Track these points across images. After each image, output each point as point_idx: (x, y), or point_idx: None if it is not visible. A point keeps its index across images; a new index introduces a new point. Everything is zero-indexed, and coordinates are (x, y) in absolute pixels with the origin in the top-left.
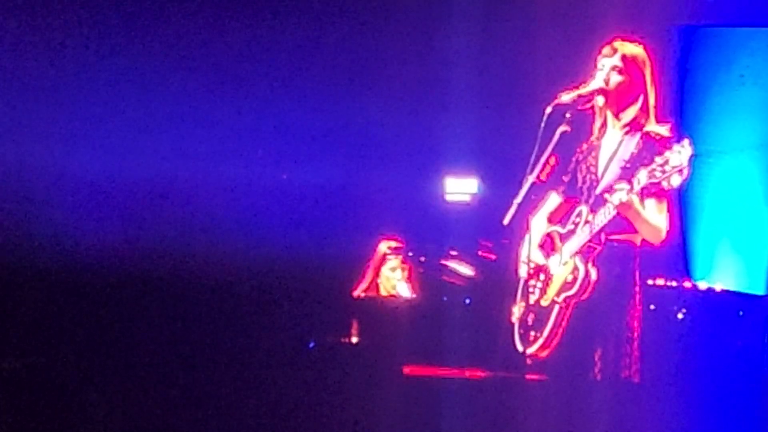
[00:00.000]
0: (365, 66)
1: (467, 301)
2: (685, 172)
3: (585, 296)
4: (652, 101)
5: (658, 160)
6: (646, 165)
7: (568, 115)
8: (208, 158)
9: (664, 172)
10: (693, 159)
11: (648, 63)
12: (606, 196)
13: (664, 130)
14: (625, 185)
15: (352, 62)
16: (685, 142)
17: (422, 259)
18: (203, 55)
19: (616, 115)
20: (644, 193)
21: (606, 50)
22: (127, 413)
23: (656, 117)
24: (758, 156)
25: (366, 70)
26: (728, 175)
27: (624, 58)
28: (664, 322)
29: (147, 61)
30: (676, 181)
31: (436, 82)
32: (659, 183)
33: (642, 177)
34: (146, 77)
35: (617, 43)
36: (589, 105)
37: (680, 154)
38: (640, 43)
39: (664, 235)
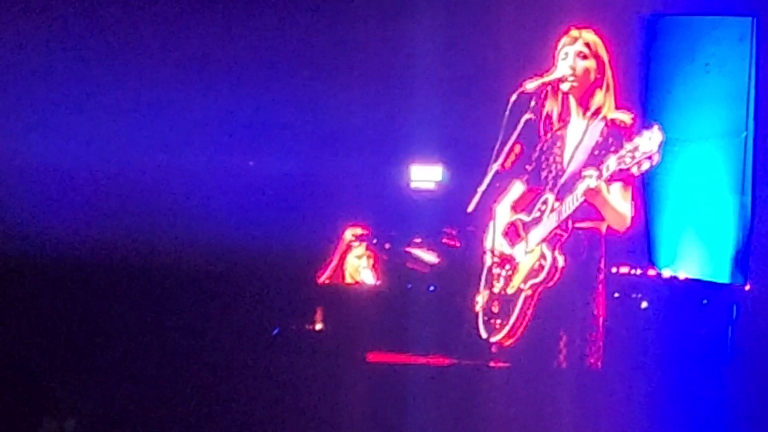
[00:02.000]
0: (330, 54)
1: (431, 288)
2: (655, 158)
3: (552, 283)
4: (612, 88)
5: (628, 146)
6: (615, 151)
7: (532, 103)
8: (173, 146)
9: (633, 158)
10: (662, 145)
11: (605, 49)
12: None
13: (626, 117)
14: (593, 171)
15: (316, 50)
16: (655, 128)
17: (387, 246)
18: (168, 45)
19: (583, 103)
20: (611, 179)
21: (565, 39)
22: (86, 402)
23: (616, 104)
24: (723, 144)
25: (331, 58)
26: (693, 164)
27: (588, 44)
28: (628, 310)
29: (110, 51)
30: (645, 167)
31: (401, 70)
32: (628, 169)
33: (611, 163)
34: (109, 67)
35: (575, 31)
36: (543, 94)
37: (650, 140)
38: (594, 31)
39: (629, 221)
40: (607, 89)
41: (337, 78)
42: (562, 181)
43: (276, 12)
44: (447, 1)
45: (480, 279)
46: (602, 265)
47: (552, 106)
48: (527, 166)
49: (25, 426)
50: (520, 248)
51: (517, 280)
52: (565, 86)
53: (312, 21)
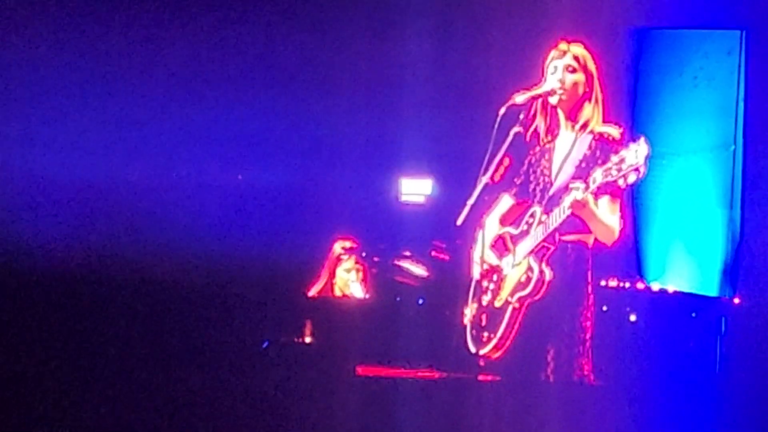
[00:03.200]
0: (319, 67)
1: (420, 301)
2: (642, 170)
3: (539, 296)
4: (600, 101)
5: (614, 159)
6: (602, 164)
7: (521, 117)
8: (161, 159)
9: (620, 170)
10: (649, 158)
11: (594, 63)
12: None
13: (613, 130)
14: (580, 184)
15: (305, 64)
16: (641, 141)
17: (376, 259)
18: (156, 58)
19: (571, 116)
20: (599, 192)
21: (554, 53)
22: (78, 413)
23: (604, 117)
24: (711, 158)
25: (320, 71)
26: (681, 177)
27: (576, 58)
28: (616, 323)
29: (99, 63)
30: (632, 179)
31: (390, 83)
32: (615, 182)
33: (598, 176)
34: (97, 79)
35: (563, 45)
36: (532, 108)
37: (636, 152)
38: (583, 44)
39: (617, 235)
40: (596, 102)
41: (326, 91)
42: (549, 193)
43: (265, 25)
44: (436, 15)
45: (468, 292)
46: (589, 278)
47: (541, 120)
48: (516, 179)
49: None
50: (507, 261)
51: (504, 293)
52: (553, 99)
53: (301, 34)
